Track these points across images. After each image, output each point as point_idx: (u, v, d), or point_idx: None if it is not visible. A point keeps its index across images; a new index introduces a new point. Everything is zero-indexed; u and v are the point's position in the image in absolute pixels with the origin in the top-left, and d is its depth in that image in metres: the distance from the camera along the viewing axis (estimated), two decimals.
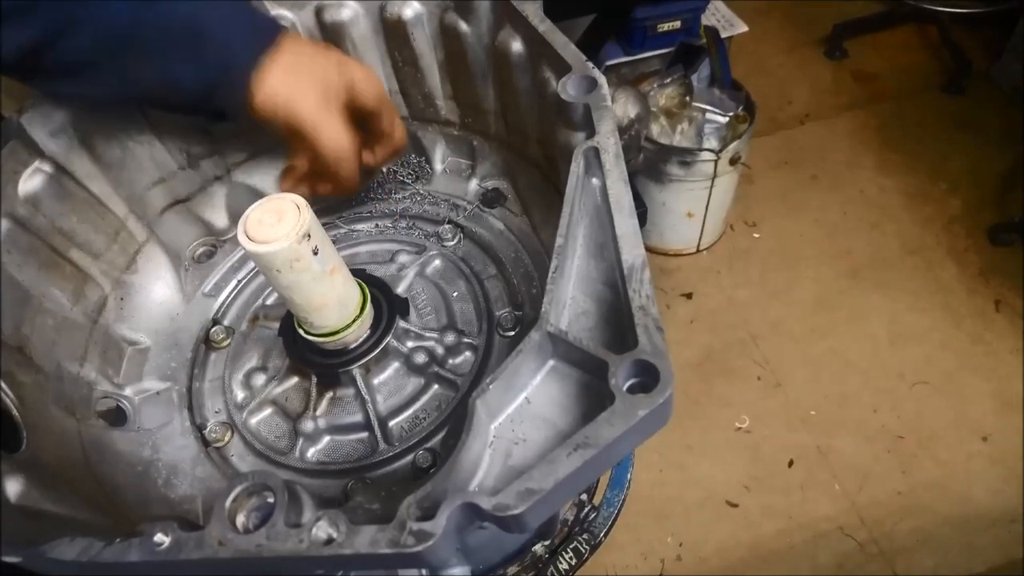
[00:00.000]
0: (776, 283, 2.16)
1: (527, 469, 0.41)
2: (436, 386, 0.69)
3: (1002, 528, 1.67)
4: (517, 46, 0.69)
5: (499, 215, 0.81)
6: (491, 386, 0.47)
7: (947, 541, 1.67)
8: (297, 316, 0.63)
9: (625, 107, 1.71)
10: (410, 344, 0.70)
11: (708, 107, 1.87)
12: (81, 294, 0.71)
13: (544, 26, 0.64)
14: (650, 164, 1.92)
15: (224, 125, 0.77)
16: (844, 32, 2.75)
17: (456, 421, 0.65)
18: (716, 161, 1.87)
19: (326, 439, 0.68)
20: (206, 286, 0.80)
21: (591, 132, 0.58)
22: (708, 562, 1.69)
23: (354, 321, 0.64)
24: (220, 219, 0.83)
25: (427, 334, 0.70)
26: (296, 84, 0.62)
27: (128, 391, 0.71)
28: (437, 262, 0.78)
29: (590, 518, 0.79)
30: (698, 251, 2.24)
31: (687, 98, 1.89)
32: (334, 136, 0.66)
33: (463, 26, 0.73)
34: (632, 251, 0.50)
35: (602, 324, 0.52)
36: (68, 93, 0.64)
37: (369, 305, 0.66)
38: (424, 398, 0.68)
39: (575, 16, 1.77)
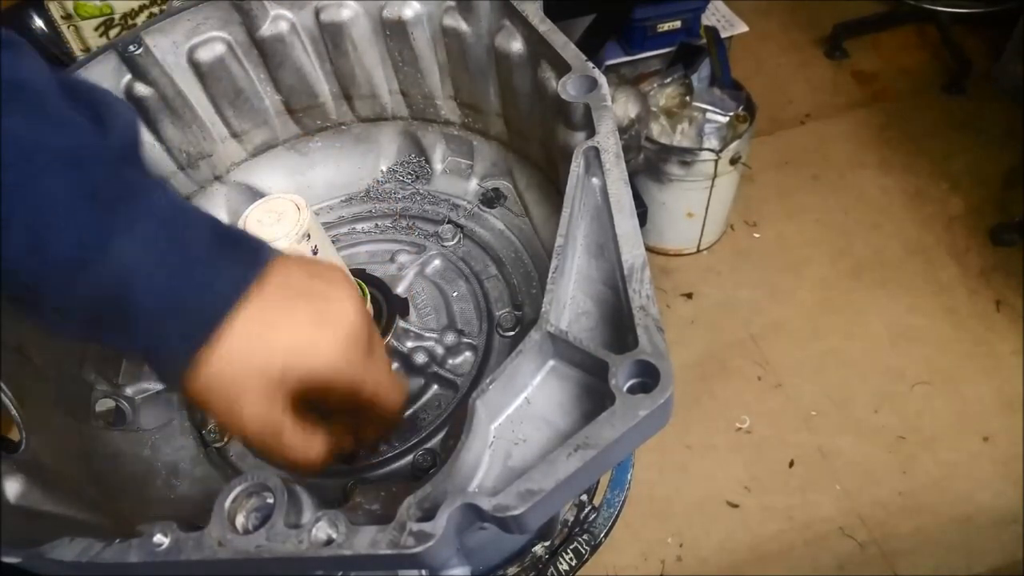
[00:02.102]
0: (777, 283, 2.15)
1: (527, 470, 0.41)
2: (436, 386, 0.69)
3: (1003, 528, 1.67)
4: (517, 46, 0.69)
5: (499, 215, 0.80)
6: (491, 386, 0.47)
7: (948, 541, 1.67)
8: None
9: (625, 107, 1.71)
10: (410, 344, 0.69)
11: (708, 107, 1.87)
12: None
13: (544, 26, 0.64)
14: (650, 164, 1.92)
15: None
16: (844, 32, 2.75)
17: (456, 421, 0.65)
18: (716, 161, 1.87)
19: None
20: None
21: (591, 132, 0.57)
22: (708, 562, 1.69)
23: None
24: (220, 219, 0.83)
25: (427, 334, 0.70)
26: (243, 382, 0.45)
27: (128, 391, 0.71)
28: (437, 262, 0.77)
29: (590, 519, 0.78)
30: (698, 251, 2.24)
31: (687, 98, 1.89)
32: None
33: (463, 26, 0.73)
34: (632, 251, 0.50)
35: (602, 324, 0.52)
36: None
37: (369, 305, 0.66)
38: (424, 398, 0.68)
39: (575, 16, 1.76)
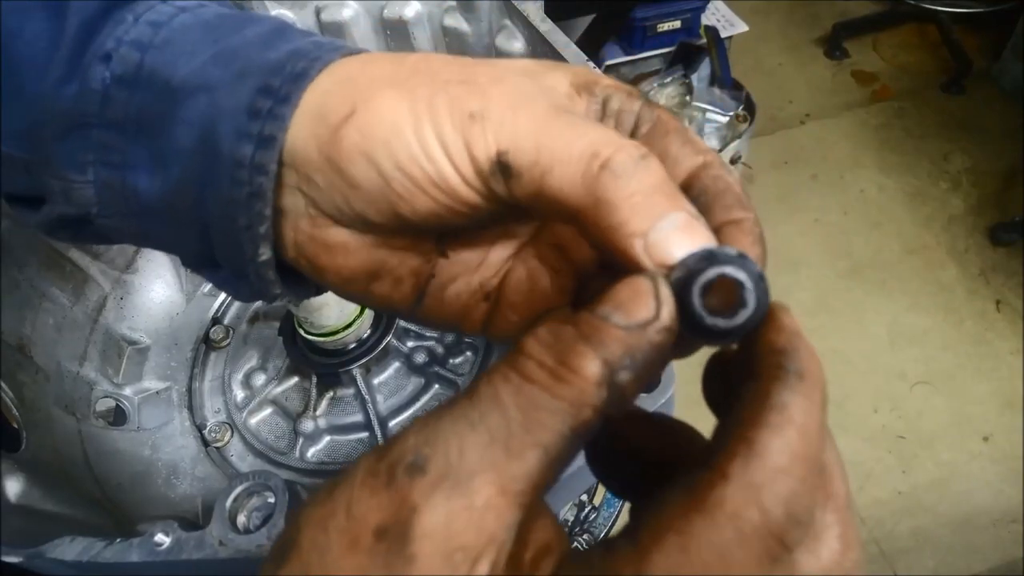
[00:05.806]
0: (776, 283, 2.11)
1: None
2: (437, 386, 0.69)
3: (1003, 528, 1.67)
4: (518, 46, 0.69)
5: None
6: None
7: (948, 541, 1.67)
8: (297, 316, 0.63)
9: None
10: (410, 343, 0.69)
11: (708, 107, 1.87)
12: (81, 293, 0.71)
13: (545, 26, 0.64)
14: None
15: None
16: (844, 32, 2.75)
17: None
18: None
19: (326, 439, 0.68)
20: (206, 285, 0.80)
21: None
22: None
23: (354, 320, 0.64)
24: None
25: (427, 333, 0.70)
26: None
27: (128, 391, 0.71)
28: None
29: (590, 519, 0.78)
30: None
31: (687, 98, 1.88)
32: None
33: (464, 26, 0.73)
34: None
35: None
36: None
37: None
38: (425, 398, 0.68)
39: (575, 16, 1.77)
